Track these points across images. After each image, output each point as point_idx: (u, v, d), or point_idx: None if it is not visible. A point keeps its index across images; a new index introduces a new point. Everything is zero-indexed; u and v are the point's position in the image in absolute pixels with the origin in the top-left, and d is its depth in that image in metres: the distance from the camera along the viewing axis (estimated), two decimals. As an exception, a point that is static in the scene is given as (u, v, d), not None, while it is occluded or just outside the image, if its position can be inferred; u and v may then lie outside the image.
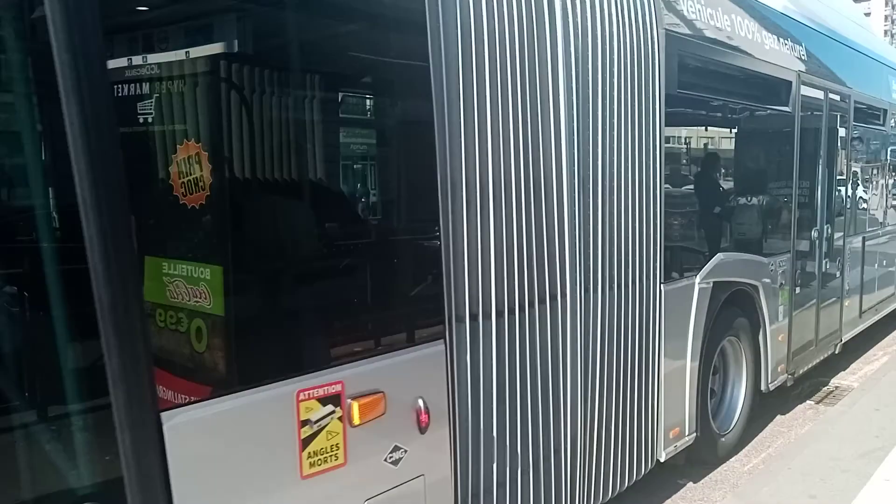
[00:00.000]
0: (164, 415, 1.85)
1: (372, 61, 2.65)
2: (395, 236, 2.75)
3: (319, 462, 2.26)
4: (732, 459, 4.88)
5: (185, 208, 2.12)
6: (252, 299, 2.28)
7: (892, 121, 7.64)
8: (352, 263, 2.59)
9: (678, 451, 4.26)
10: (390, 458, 2.50)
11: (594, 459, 3.50)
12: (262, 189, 2.35)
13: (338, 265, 2.55)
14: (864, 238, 7.19)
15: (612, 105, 3.41)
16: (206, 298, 2.13)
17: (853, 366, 7.11)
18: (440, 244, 2.61)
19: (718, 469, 4.74)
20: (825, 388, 6.48)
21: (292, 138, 2.39)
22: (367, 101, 2.91)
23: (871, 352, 7.60)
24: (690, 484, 4.53)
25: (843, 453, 4.67)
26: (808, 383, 6.37)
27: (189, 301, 2.15)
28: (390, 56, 2.66)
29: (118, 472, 1.79)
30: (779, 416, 5.75)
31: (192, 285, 2.14)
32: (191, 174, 2.10)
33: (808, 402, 6.15)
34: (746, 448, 5.10)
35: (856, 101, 6.62)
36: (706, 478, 4.62)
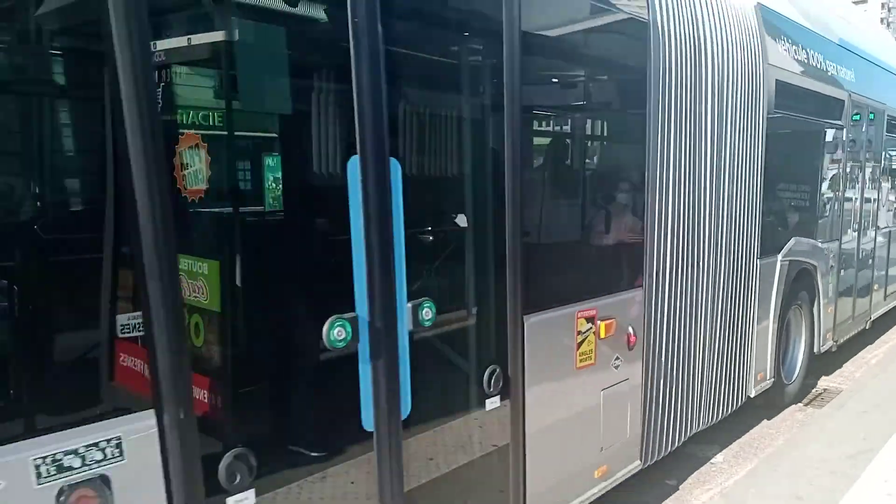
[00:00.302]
0: (525, 317, 3.08)
1: (613, 90, 3.88)
2: (621, 219, 3.97)
3: (583, 360, 3.50)
4: (720, 459, 5.06)
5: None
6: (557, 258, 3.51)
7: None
8: (603, 239, 3.83)
9: (761, 391, 5.50)
10: (614, 364, 3.73)
11: (712, 386, 4.74)
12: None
13: (600, 241, 3.78)
14: (890, 232, 8.46)
15: (735, 123, 4.64)
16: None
17: (841, 368, 7.32)
18: (643, 225, 3.85)
19: (706, 470, 4.87)
20: (813, 391, 6.61)
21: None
22: (609, 118, 4.11)
23: (859, 354, 7.81)
24: (679, 484, 4.62)
25: (830, 455, 4.72)
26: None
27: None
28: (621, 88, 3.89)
29: (505, 347, 3.02)
30: (768, 418, 5.87)
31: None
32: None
33: (796, 404, 6.25)
34: (734, 449, 5.25)
35: (888, 116, 7.89)
36: (694, 478, 4.72)
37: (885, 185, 8.30)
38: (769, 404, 5.88)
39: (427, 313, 2.60)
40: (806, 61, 5.73)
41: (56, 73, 2.37)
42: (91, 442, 1.77)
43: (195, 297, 2.24)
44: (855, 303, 7.49)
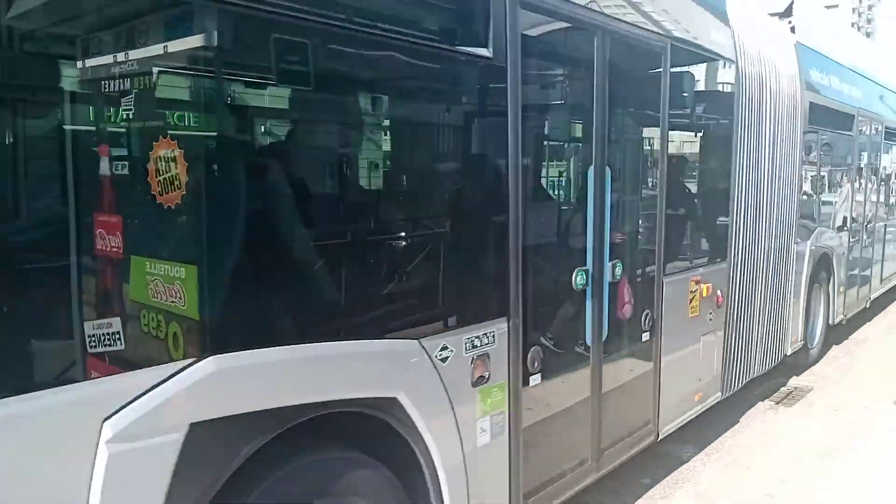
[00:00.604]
0: (664, 278, 4.42)
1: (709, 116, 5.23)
2: (716, 213, 5.31)
3: (692, 312, 4.85)
4: (694, 458, 5.15)
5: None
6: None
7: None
8: (705, 227, 5.17)
9: (794, 351, 6.89)
10: (709, 317, 5.09)
11: (764, 342, 6.12)
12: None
13: (704, 228, 5.13)
14: (885, 225, 9.95)
15: (783, 137, 6.01)
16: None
17: (813, 368, 7.59)
18: (728, 216, 5.20)
19: (680, 469, 4.96)
20: (784, 389, 6.79)
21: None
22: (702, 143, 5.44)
23: (830, 353, 8.19)
24: (653, 484, 4.71)
25: (801, 453, 4.87)
26: (768, 384, 6.75)
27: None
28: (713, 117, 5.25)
29: (653, 298, 4.36)
30: (740, 417, 6.00)
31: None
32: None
33: (767, 402, 6.43)
34: (707, 448, 5.33)
35: (886, 127, 9.36)
36: (668, 478, 4.80)
37: (883, 186, 9.78)
38: (797, 363, 7.26)
39: (618, 270, 3.93)
40: (829, 85, 7.16)
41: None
42: (484, 332, 3.08)
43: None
44: (859, 284, 8.95)
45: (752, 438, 5.48)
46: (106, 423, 1.86)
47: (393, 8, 2.70)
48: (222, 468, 2.12)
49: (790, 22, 6.57)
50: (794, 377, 7.10)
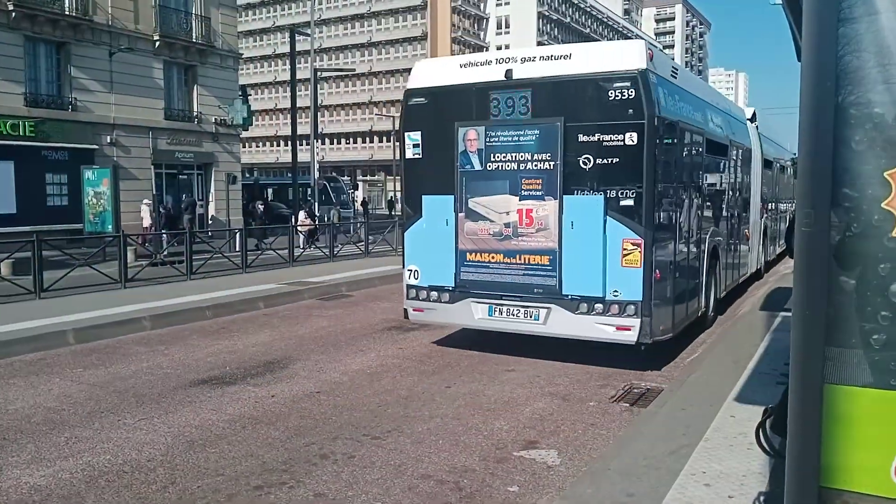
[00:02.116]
0: (761, 219, 13.14)
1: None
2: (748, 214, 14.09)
3: (749, 239, 13.57)
4: (558, 463, 5.38)
5: None
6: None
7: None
8: (749, 216, 13.92)
9: (758, 268, 15.84)
10: (749, 238, 13.83)
11: (755, 256, 14.98)
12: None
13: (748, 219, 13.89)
14: (778, 215, 19.34)
15: (755, 178, 14.87)
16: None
17: (663, 370, 8.15)
18: (748, 212, 14.04)
19: (545, 474, 5.15)
20: (637, 391, 7.19)
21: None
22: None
23: (681, 355, 8.84)
24: (520, 491, 4.89)
25: (655, 452, 5.05)
26: (623, 387, 7.22)
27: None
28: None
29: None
30: (598, 419, 6.30)
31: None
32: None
33: (623, 404, 6.76)
34: (570, 452, 5.57)
35: (781, 163, 18.74)
36: (534, 484, 4.99)
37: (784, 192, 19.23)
38: (755, 277, 16.17)
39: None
40: (770, 150, 16.40)
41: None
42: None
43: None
44: (776, 244, 18.26)
45: (610, 440, 5.76)
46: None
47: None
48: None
49: (755, 123, 15.43)
50: (649, 381, 7.69)
